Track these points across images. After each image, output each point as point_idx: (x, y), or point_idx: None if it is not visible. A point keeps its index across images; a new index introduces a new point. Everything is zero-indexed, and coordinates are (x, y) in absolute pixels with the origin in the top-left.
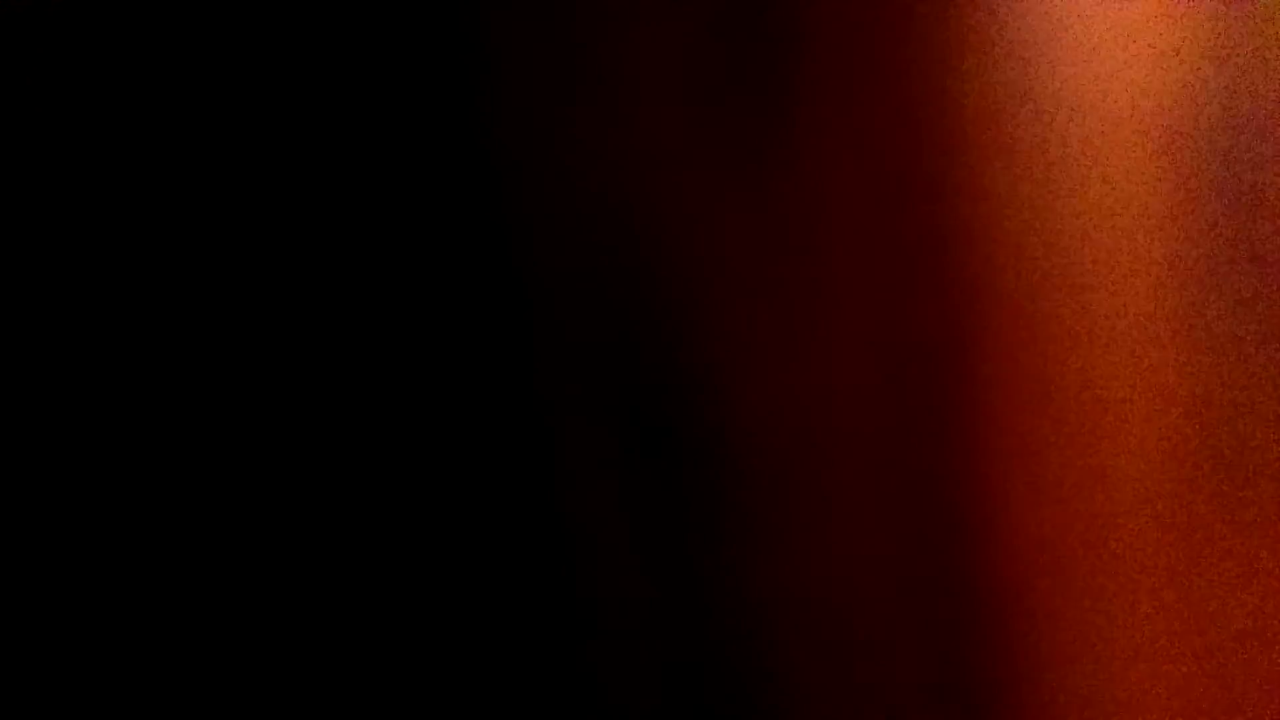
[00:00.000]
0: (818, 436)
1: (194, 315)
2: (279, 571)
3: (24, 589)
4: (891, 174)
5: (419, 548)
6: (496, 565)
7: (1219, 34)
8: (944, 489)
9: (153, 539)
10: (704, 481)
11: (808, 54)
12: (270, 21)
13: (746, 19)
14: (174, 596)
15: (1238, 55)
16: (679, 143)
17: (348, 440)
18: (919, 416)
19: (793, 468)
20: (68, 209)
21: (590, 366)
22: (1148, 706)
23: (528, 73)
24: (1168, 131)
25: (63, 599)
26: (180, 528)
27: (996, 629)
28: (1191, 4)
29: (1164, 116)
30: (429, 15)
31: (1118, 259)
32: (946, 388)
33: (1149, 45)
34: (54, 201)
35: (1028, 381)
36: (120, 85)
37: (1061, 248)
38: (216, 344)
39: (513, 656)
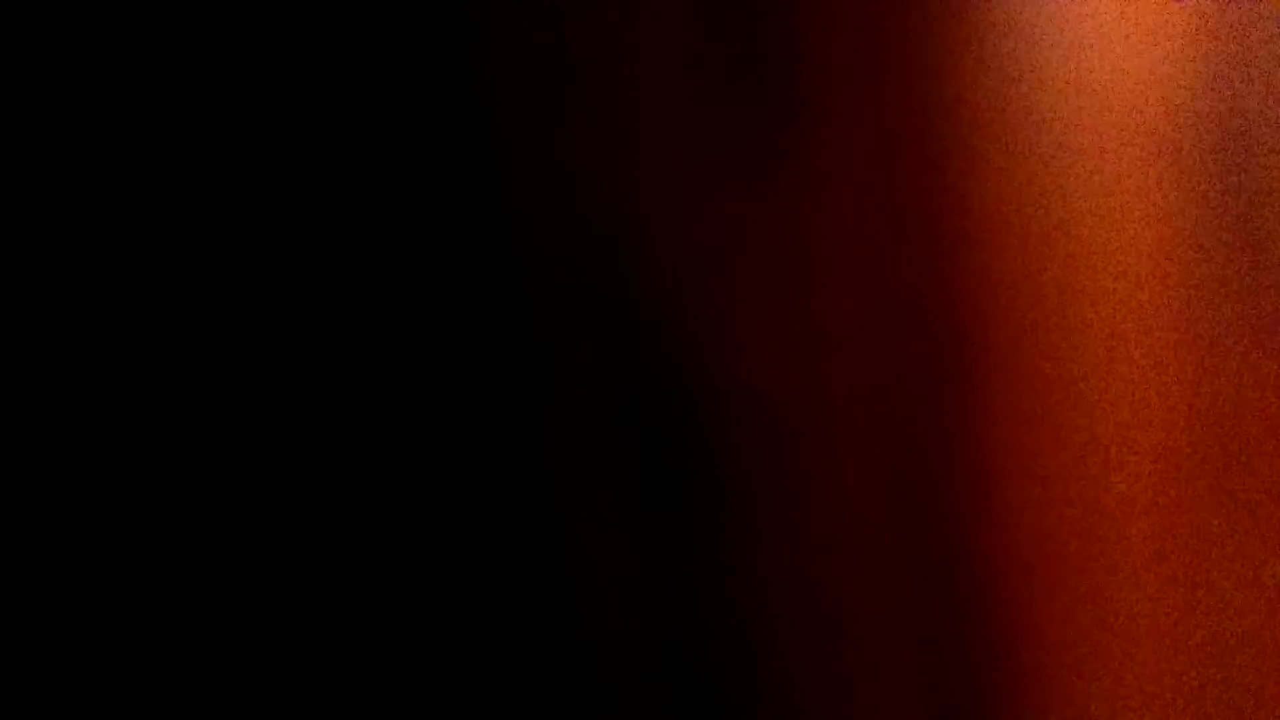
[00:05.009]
0: (818, 434)
1: (195, 316)
2: (280, 576)
3: (24, 589)
4: (891, 171)
5: (416, 548)
6: (494, 566)
7: (1220, 35)
8: (944, 487)
9: (152, 538)
10: (703, 479)
11: (808, 50)
12: (269, 20)
13: (747, 15)
14: (173, 595)
15: (1239, 55)
16: (678, 139)
17: (344, 443)
18: (919, 415)
19: (793, 465)
20: (68, 209)
21: (589, 364)
22: (1148, 706)
23: (527, 69)
24: (1169, 130)
25: (63, 599)
26: (179, 527)
27: (997, 629)
28: (1193, 4)
29: (1165, 115)
30: (429, 12)
31: (1118, 256)
32: (947, 386)
33: (1150, 44)
34: (54, 201)
35: (1027, 379)
36: (120, 85)
37: (1062, 245)
38: (217, 346)
39: (512, 657)
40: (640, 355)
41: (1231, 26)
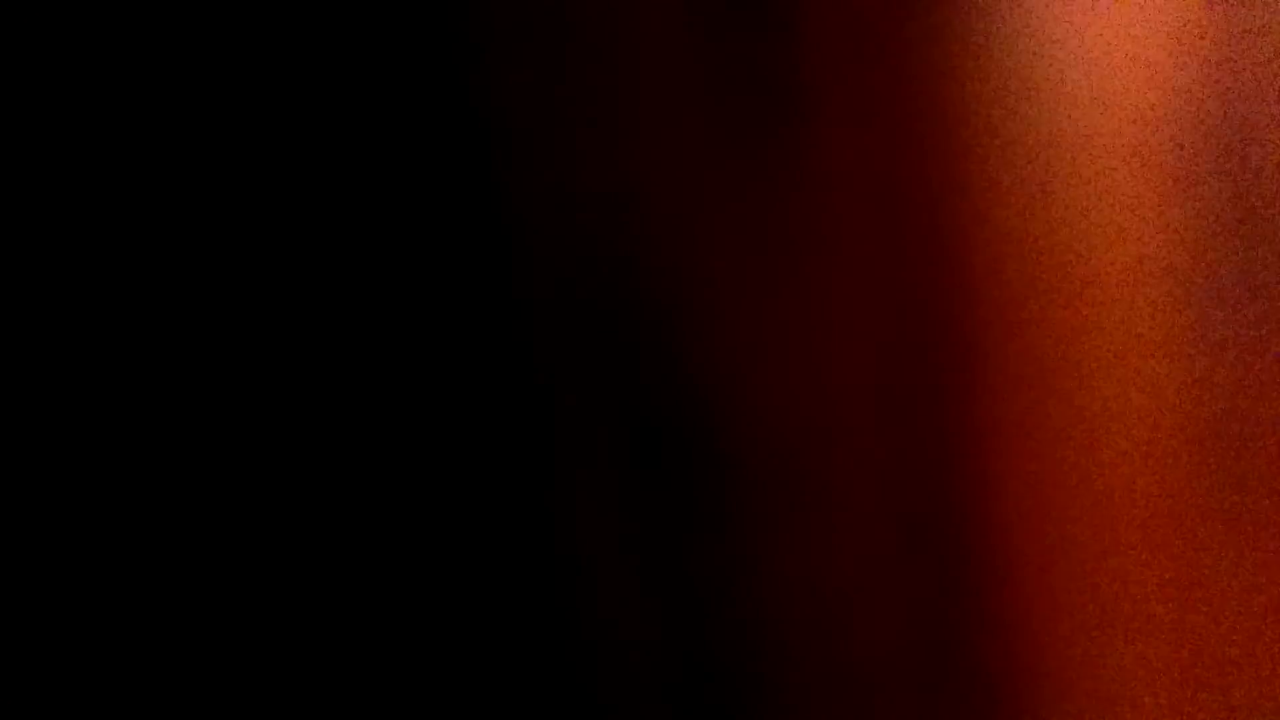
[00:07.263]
0: (818, 436)
1: (194, 316)
2: (277, 575)
3: (24, 589)
4: (892, 173)
5: (417, 550)
6: (495, 567)
7: (1220, 35)
8: (944, 488)
9: (152, 538)
10: (704, 482)
11: (808, 52)
12: (266, 18)
13: (747, 17)
14: (173, 596)
15: (1239, 56)
16: (678, 142)
17: (345, 443)
18: (919, 415)
19: (793, 467)
20: (68, 209)
21: (589, 367)
22: (1147, 705)
23: (528, 70)
24: (1169, 132)
25: (63, 599)
26: (179, 527)
27: (997, 629)
28: (1193, 5)
29: (1166, 116)
30: (427, 10)
31: (1118, 258)
32: (946, 386)
33: (1150, 45)
34: (54, 201)
35: (1027, 381)
36: (120, 85)
37: (1062, 247)
38: (216, 344)
39: (512, 658)
40: (642, 355)
41: (1231, 27)
